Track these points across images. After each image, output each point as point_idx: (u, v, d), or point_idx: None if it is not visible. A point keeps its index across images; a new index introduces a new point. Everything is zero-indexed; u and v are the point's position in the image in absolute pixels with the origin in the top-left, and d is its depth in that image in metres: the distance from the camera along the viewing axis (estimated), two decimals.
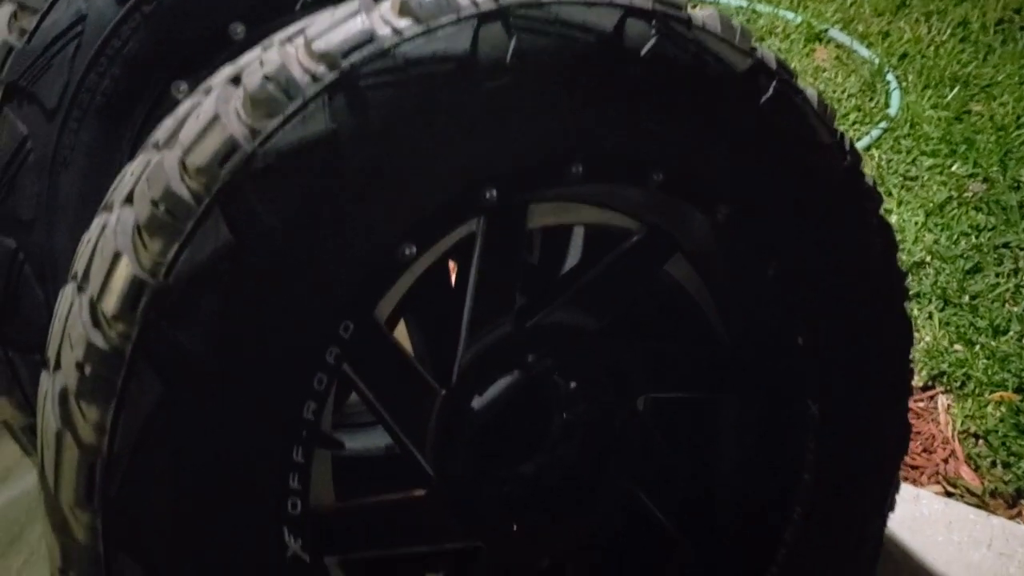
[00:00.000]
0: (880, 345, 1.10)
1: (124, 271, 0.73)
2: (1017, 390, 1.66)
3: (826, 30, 2.71)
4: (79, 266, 0.81)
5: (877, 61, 2.56)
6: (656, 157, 0.93)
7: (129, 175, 0.83)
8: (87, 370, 0.73)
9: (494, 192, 0.85)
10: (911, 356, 1.13)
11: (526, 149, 0.85)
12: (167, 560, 0.75)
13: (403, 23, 0.79)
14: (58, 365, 0.78)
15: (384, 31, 0.78)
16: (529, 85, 0.82)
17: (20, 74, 0.98)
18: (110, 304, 0.73)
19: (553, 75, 0.83)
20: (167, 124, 0.83)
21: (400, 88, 0.78)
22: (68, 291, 0.82)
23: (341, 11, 0.81)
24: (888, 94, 2.44)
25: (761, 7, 2.84)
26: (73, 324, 0.76)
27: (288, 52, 0.79)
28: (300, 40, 0.80)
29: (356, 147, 0.76)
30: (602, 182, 0.93)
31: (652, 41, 0.87)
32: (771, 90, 0.95)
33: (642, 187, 0.95)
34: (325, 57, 0.77)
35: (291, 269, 0.76)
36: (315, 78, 0.76)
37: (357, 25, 0.78)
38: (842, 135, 1.03)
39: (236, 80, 0.81)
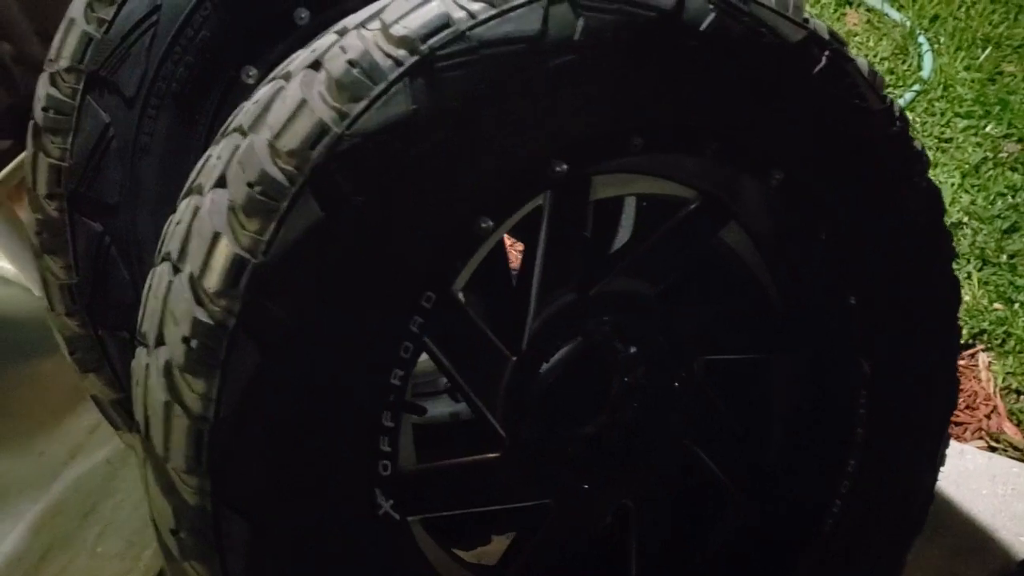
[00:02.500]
0: (928, 303, 1.13)
1: (225, 250, 0.77)
2: None
3: None
4: (172, 247, 0.85)
5: (908, 24, 2.56)
6: (713, 127, 0.97)
7: (215, 159, 0.87)
8: (193, 344, 0.77)
9: (564, 166, 0.89)
10: (958, 314, 1.16)
11: (592, 123, 0.89)
12: (270, 516, 0.80)
13: (476, 6, 0.82)
14: (160, 341, 0.82)
15: (459, 14, 0.82)
16: (595, 61, 0.86)
17: (100, 64, 1.02)
18: (212, 281, 0.77)
19: (617, 51, 0.87)
20: (250, 109, 0.87)
21: (475, 69, 0.81)
22: (162, 270, 0.86)
23: None
24: (920, 56, 2.44)
25: None
26: (176, 301, 0.80)
27: (367, 37, 0.82)
28: (377, 25, 0.84)
29: (435, 126, 0.80)
30: (661, 153, 0.97)
31: (711, 16, 0.90)
32: (823, 60, 0.98)
33: (698, 156, 0.99)
34: (405, 41, 0.80)
35: (377, 243, 0.80)
36: (396, 62, 0.80)
37: (433, 10, 0.82)
38: (891, 101, 1.06)
39: (316, 65, 0.84)
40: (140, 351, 0.89)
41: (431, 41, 0.80)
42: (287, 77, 0.87)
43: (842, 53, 1.00)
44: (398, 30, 0.81)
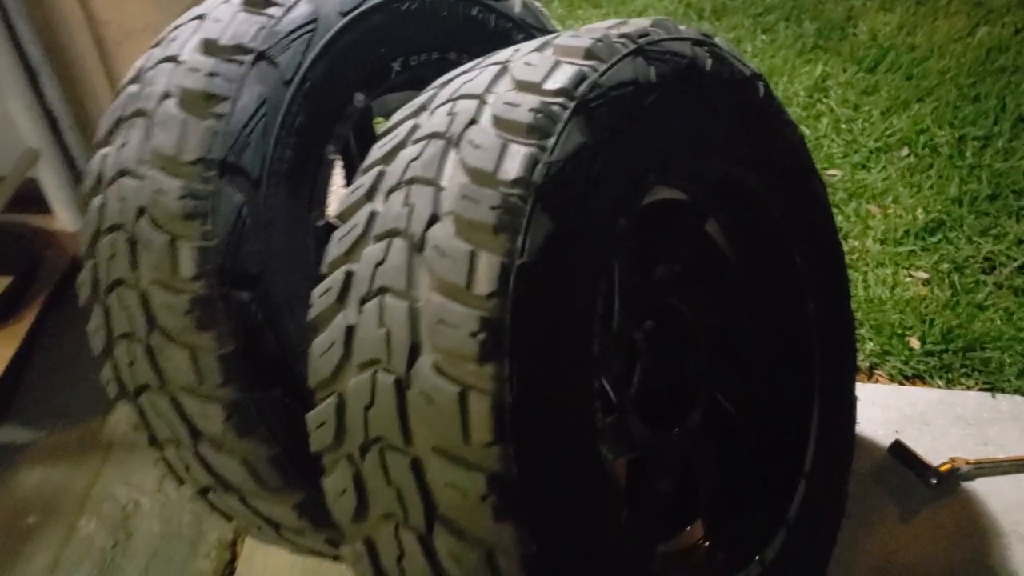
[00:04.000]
0: (834, 255, 1.57)
1: (488, 262, 0.97)
2: None
3: None
4: (389, 282, 1.02)
5: None
6: (711, 140, 1.32)
7: (400, 206, 1.06)
8: (481, 337, 0.96)
9: (654, 176, 1.19)
10: (845, 264, 1.62)
11: (668, 142, 1.20)
12: (563, 473, 1.00)
13: (592, 62, 1.11)
14: (415, 354, 0.99)
15: (586, 69, 1.10)
16: (665, 97, 1.18)
17: (228, 151, 1.14)
18: (483, 286, 0.97)
19: (674, 89, 1.20)
20: (416, 165, 1.07)
21: (609, 106, 1.10)
22: (379, 305, 1.03)
23: (540, 61, 1.11)
24: None
25: None
26: (440, 314, 0.98)
27: (524, 93, 1.07)
28: (510, 86, 1.09)
29: (595, 149, 1.07)
30: (689, 165, 1.30)
31: (710, 61, 1.26)
32: (762, 88, 1.39)
33: (703, 164, 1.34)
34: (563, 92, 1.07)
35: (576, 233, 1.04)
36: (563, 107, 1.06)
37: (570, 68, 1.09)
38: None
39: (473, 122, 1.07)
40: (364, 378, 1.03)
41: (580, 90, 1.08)
42: (440, 136, 1.08)
43: (768, 84, 1.41)
44: (552, 84, 1.07)
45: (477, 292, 0.97)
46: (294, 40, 1.22)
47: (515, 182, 1.00)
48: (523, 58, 1.14)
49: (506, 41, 1.50)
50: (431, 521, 1.01)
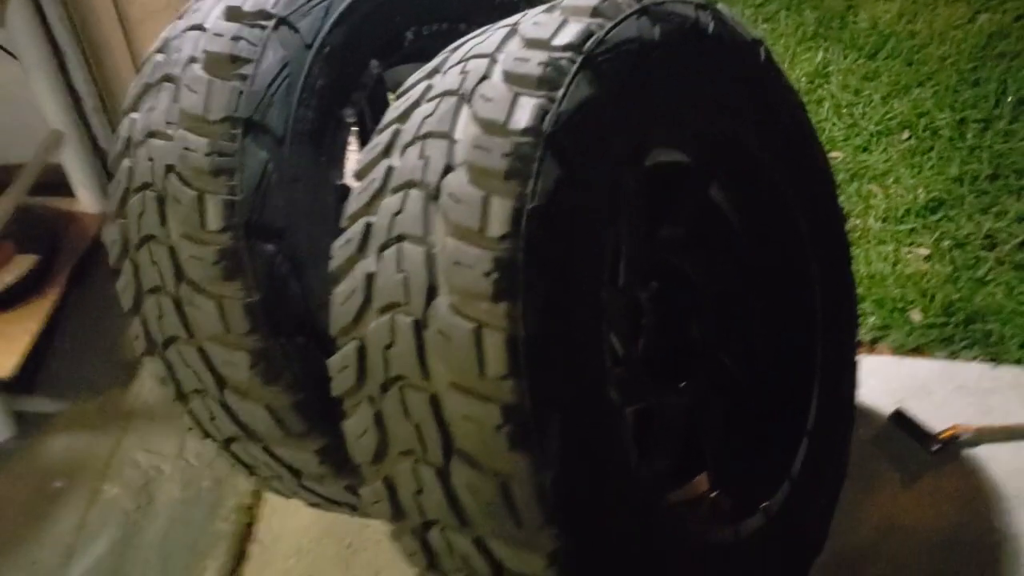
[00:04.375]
0: (837, 222, 1.62)
1: (501, 206, 1.02)
2: None
3: None
4: (407, 230, 1.07)
5: None
6: (714, 101, 1.37)
7: (415, 159, 1.11)
8: (494, 276, 1.01)
9: (657, 133, 1.24)
10: (846, 231, 1.66)
11: (672, 100, 1.25)
12: (576, 409, 1.05)
13: (599, 20, 1.16)
14: (432, 295, 1.04)
15: (593, 27, 1.15)
16: (669, 56, 1.23)
17: (253, 110, 1.20)
18: (496, 228, 1.01)
19: (677, 48, 1.25)
20: (431, 121, 1.12)
21: (615, 62, 1.15)
22: (397, 252, 1.08)
23: (548, 20, 1.16)
24: None
25: None
26: (455, 256, 1.02)
27: (532, 49, 1.13)
28: (520, 44, 1.14)
29: (602, 102, 1.12)
30: (693, 123, 1.35)
31: (712, 23, 1.31)
32: (763, 52, 1.44)
33: (706, 124, 1.39)
34: (571, 47, 1.12)
35: (585, 181, 1.09)
36: (571, 61, 1.11)
37: (576, 25, 1.14)
38: None
39: (486, 78, 1.12)
40: (383, 320, 1.08)
41: (587, 46, 1.13)
42: (453, 93, 1.13)
43: (770, 50, 1.46)
44: (560, 40, 1.12)
45: (490, 234, 1.02)
46: (314, 7, 1.27)
47: (525, 131, 1.05)
48: (532, 19, 1.19)
49: (513, 13, 1.55)
50: (448, 454, 1.05)
